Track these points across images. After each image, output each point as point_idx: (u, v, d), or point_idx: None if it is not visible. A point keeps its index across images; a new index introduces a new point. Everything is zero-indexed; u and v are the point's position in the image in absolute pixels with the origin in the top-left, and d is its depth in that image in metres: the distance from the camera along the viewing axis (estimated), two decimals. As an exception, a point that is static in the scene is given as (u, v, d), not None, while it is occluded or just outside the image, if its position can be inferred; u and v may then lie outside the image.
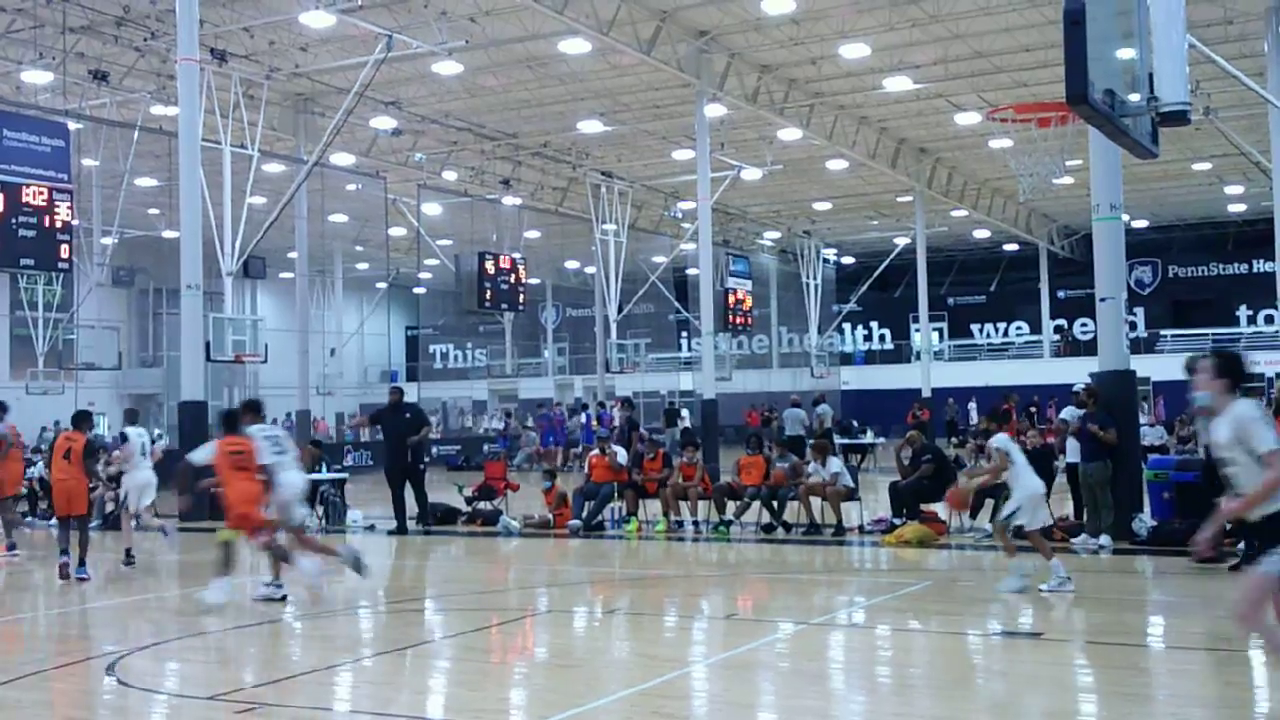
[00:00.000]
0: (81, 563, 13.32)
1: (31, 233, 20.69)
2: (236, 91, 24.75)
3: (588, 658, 9.34)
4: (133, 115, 28.19)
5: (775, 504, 16.21)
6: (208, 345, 21.25)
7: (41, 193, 20.75)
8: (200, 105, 20.89)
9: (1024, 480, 11.28)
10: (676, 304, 44.04)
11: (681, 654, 9.47)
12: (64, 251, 21.52)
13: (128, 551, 14.54)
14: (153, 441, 16.70)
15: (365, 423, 16.75)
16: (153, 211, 34.95)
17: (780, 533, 16.13)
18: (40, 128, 21.75)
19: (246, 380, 37.19)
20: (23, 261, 21.24)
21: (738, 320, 38.01)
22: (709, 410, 29.16)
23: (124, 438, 15.25)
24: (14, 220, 20.37)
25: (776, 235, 51.40)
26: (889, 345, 56.29)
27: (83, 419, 14.13)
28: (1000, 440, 11.62)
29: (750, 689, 8.07)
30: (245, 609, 11.72)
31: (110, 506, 18.94)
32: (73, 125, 24.29)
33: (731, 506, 16.65)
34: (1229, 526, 9.89)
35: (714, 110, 29.70)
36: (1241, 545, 11.82)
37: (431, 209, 38.90)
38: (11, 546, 15.49)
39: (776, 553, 15.11)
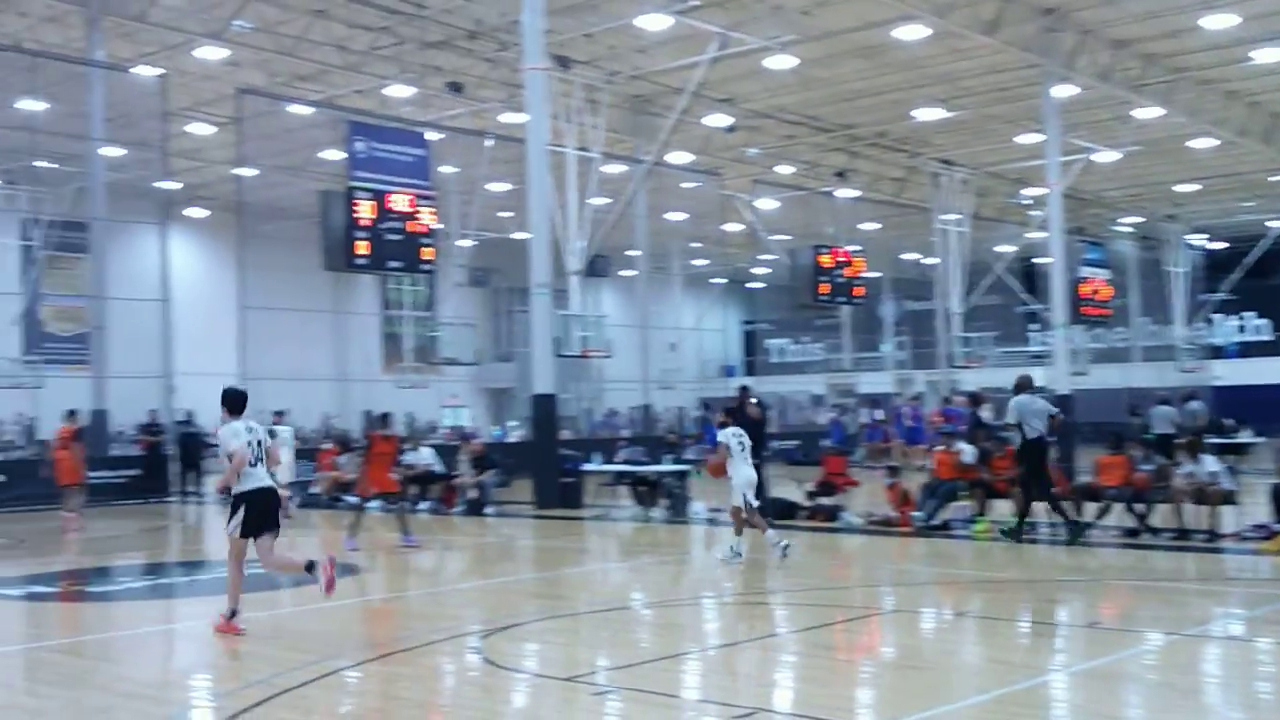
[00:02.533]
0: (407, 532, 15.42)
1: (398, 237, 22.23)
2: (579, 96, 25.61)
3: (937, 660, 9.00)
4: (485, 124, 29.75)
5: (1140, 507, 15.18)
6: (556, 341, 22.02)
7: (405, 199, 22.22)
8: (546, 111, 21.69)
9: (740, 469, 13.31)
10: (1024, 295, 42.28)
11: (1038, 661, 8.99)
12: (426, 254, 22.99)
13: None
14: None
15: (727, 420, 17.34)
16: (504, 214, 36.77)
17: (1146, 538, 15.08)
18: (403, 139, 23.34)
19: (592, 375, 38.59)
20: (390, 264, 22.87)
21: (1093, 312, 36.15)
22: (1063, 407, 27.79)
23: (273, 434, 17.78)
24: (382, 226, 21.94)
25: (1137, 220, 48.38)
26: (1267, 336, 51.79)
27: (385, 419, 16.21)
28: (723, 434, 13.58)
29: (1115, 701, 7.55)
30: (599, 593, 12.08)
31: (474, 494, 20.03)
32: (432, 135, 25.89)
33: (1091, 508, 15.72)
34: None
35: (1063, 91, 28.24)
36: None
37: (767, 204, 39.01)
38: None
39: (1142, 559, 14.14)
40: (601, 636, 10.07)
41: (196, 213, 39.97)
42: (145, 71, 26.64)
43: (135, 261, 30.41)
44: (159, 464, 23.56)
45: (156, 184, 28.29)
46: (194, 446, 24.17)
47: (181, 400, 26.17)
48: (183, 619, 11.54)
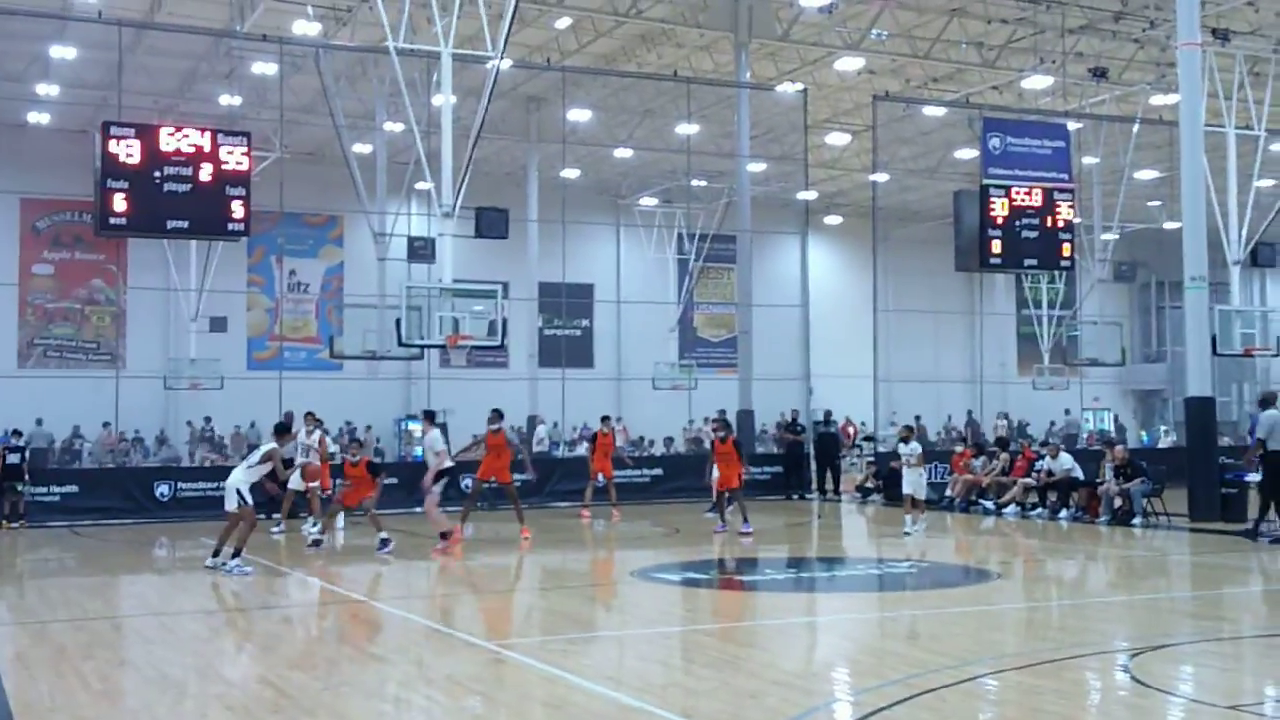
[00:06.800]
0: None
1: (1034, 233, 21.58)
2: (1240, 70, 23.30)
3: None
4: (1131, 109, 28.05)
5: None
6: (1214, 339, 20.22)
7: (1042, 194, 21.48)
8: (1202, 89, 19.92)
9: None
10: None
11: None
12: (1065, 249, 22.10)
13: None
14: None
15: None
16: (1153, 204, 34.47)
17: None
18: (1041, 131, 22.59)
19: (1256, 375, 35.09)
20: (1026, 262, 22.23)
21: None
22: None
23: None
24: (1017, 223, 21.37)
25: None
26: None
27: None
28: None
29: None
30: (1268, 617, 10.82)
31: (1120, 503, 18.83)
32: (1072, 125, 24.80)
33: None
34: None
35: None
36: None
37: None
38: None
39: None
40: (1268, 664, 8.96)
41: (832, 220, 41.49)
42: (787, 88, 28.03)
43: (777, 269, 32.15)
44: (799, 462, 24.50)
45: (797, 195, 29.64)
46: (832, 445, 24.92)
47: (819, 401, 27.18)
48: (823, 613, 11.86)
